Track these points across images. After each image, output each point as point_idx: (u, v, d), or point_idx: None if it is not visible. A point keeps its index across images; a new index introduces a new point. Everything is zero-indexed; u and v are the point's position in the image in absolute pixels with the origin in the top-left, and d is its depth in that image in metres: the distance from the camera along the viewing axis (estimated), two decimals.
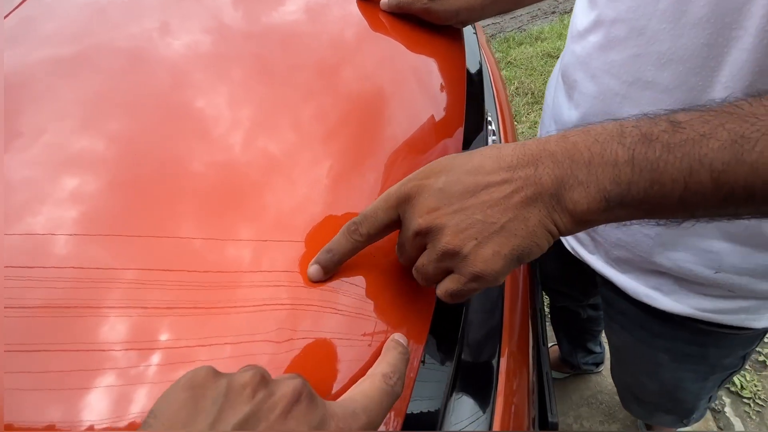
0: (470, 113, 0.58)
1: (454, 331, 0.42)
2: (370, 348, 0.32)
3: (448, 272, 0.27)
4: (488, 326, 0.46)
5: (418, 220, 0.26)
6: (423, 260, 0.28)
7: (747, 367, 1.09)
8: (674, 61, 0.34)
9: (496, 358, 0.45)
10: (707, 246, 0.40)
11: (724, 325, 0.45)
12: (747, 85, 0.31)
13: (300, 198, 0.42)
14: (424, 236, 0.27)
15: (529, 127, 1.83)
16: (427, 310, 0.37)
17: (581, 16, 0.43)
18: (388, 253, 0.37)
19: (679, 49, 0.33)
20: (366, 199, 0.42)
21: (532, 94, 2.01)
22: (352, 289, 0.34)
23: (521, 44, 2.48)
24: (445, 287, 0.27)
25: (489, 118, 0.61)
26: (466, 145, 0.55)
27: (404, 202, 0.27)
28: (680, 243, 0.41)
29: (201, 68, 0.55)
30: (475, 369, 0.43)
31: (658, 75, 0.35)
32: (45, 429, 0.29)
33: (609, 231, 0.47)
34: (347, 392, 0.25)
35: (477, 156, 0.27)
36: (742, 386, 1.06)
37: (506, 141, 0.67)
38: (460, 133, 0.55)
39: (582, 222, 0.25)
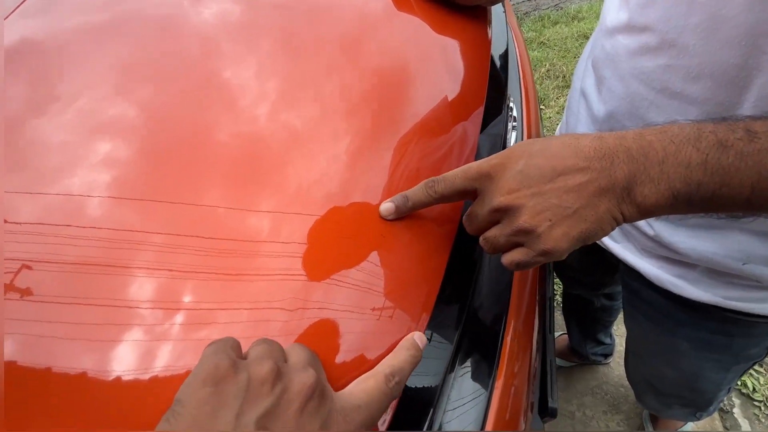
0: (491, 96, 0.57)
1: (460, 311, 0.43)
2: (378, 322, 0.34)
3: (517, 245, 0.30)
4: (495, 309, 0.47)
5: (499, 198, 0.29)
6: (495, 232, 0.30)
7: (762, 370, 1.07)
8: (704, 76, 0.34)
9: (499, 340, 0.46)
10: (734, 238, 0.40)
11: (751, 314, 0.45)
12: None
13: (319, 173, 0.43)
14: (502, 213, 0.29)
15: (557, 112, 1.78)
16: (434, 286, 0.38)
17: (612, 11, 0.42)
18: (398, 234, 0.38)
19: (709, 65, 0.33)
20: (382, 176, 0.43)
21: (564, 77, 1.94)
22: (364, 265, 0.36)
23: (556, 23, 2.37)
24: (512, 257, 0.30)
25: (511, 104, 0.60)
26: (484, 128, 0.55)
27: (485, 178, 0.30)
28: (707, 235, 0.41)
29: (229, 38, 0.55)
30: (477, 348, 0.44)
31: (687, 87, 0.35)
32: (72, 374, 0.31)
33: (639, 222, 0.46)
34: (352, 385, 0.27)
35: (556, 143, 0.29)
36: (754, 389, 1.04)
37: (528, 126, 0.66)
38: (479, 116, 0.54)
39: (647, 213, 0.27)
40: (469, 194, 0.32)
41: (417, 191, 0.33)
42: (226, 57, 0.53)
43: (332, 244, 0.38)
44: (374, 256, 0.37)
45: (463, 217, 0.35)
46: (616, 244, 0.52)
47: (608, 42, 0.43)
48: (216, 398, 0.20)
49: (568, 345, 1.08)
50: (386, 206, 0.35)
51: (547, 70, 2.00)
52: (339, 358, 0.30)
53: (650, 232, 0.45)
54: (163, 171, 0.42)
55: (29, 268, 0.36)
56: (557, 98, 1.85)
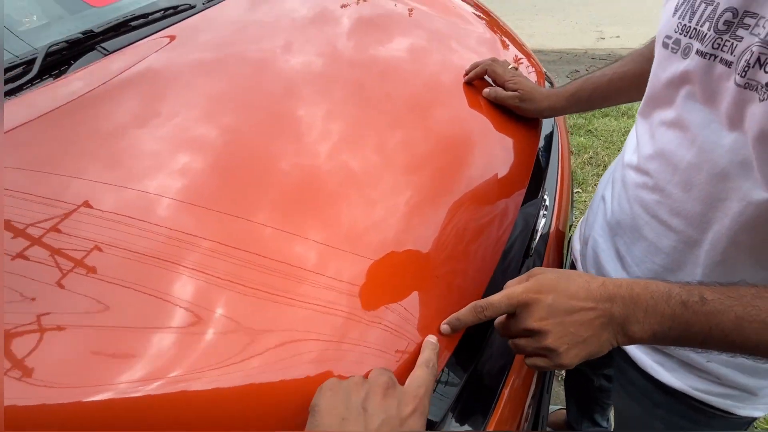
0: (532, 182, 0.68)
1: (471, 358, 0.50)
2: (413, 353, 0.41)
3: (539, 355, 0.42)
4: (500, 362, 0.54)
5: (532, 323, 0.40)
6: (525, 343, 0.42)
7: None
8: (680, 216, 0.47)
9: (498, 390, 0.52)
10: None
11: (713, 406, 0.52)
12: (723, 248, 0.43)
13: (374, 218, 0.49)
14: (534, 333, 0.41)
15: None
16: (457, 333, 0.46)
17: (629, 151, 0.55)
18: (432, 288, 0.46)
19: (683, 210, 0.46)
20: (432, 232, 0.50)
21: (604, 166, 2.04)
22: (400, 312, 0.43)
23: (606, 116, 2.51)
24: (535, 363, 0.42)
25: (545, 196, 0.70)
26: (522, 206, 0.64)
27: (523, 306, 0.41)
28: None
29: (308, 84, 0.66)
30: (479, 393, 0.51)
31: (670, 219, 0.48)
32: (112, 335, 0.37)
33: None
34: (409, 377, 0.38)
35: (573, 284, 0.41)
36: None
37: (558, 211, 0.76)
38: (520, 196, 0.64)
39: (635, 342, 0.40)
40: (509, 314, 0.43)
41: (467, 314, 0.44)
42: (303, 99, 0.62)
43: (374, 285, 0.43)
44: (410, 302, 0.45)
45: (497, 324, 0.45)
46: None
47: (624, 172, 0.55)
48: (334, 395, 0.34)
49: (565, 420, 1.12)
50: (443, 327, 0.46)
51: (590, 157, 2.11)
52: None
53: None
54: (228, 186, 0.48)
55: (99, 249, 0.42)
56: (595, 184, 1.95)
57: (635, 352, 0.57)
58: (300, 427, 0.35)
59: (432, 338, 0.43)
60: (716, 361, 0.49)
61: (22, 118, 0.57)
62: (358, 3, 0.97)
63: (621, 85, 0.63)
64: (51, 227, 0.45)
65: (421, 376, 0.38)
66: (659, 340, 0.39)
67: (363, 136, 0.59)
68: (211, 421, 0.35)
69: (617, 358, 0.64)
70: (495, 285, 0.55)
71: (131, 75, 0.65)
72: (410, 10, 0.94)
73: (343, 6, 0.93)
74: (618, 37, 3.44)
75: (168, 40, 0.74)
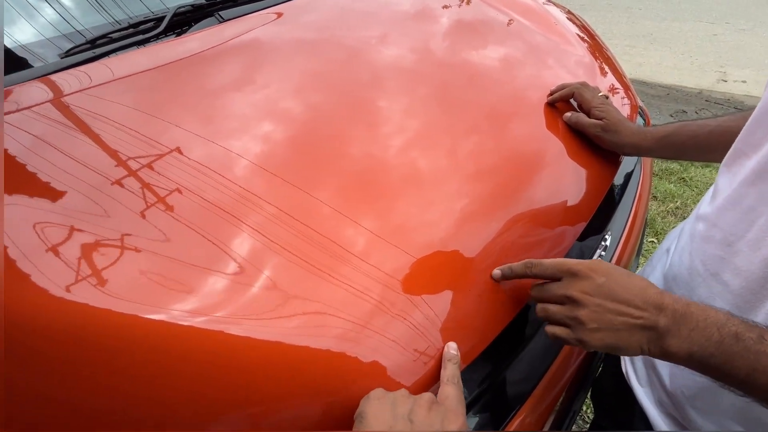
0: (597, 217, 0.65)
1: (496, 368, 0.50)
2: (425, 366, 0.41)
3: (564, 325, 0.41)
4: (524, 384, 0.53)
5: (574, 292, 0.41)
6: (555, 309, 0.42)
7: None
8: (743, 277, 0.42)
9: (515, 409, 0.51)
10: (728, 424, 0.46)
11: None
12: None
13: (427, 218, 0.49)
14: (571, 301, 0.41)
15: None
16: (488, 337, 0.47)
17: (705, 203, 0.51)
18: (471, 289, 0.47)
19: (747, 271, 0.42)
20: (478, 244, 0.49)
21: None
22: (427, 313, 0.43)
23: (707, 166, 2.26)
24: (555, 331, 0.42)
25: (607, 236, 0.66)
26: (581, 239, 0.62)
27: (572, 274, 0.42)
28: (712, 419, 0.48)
29: (395, 77, 0.68)
30: (492, 412, 0.50)
31: (731, 280, 0.44)
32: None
33: (663, 369, 0.52)
34: (441, 394, 0.39)
35: (631, 280, 0.41)
36: None
37: (621, 255, 0.72)
38: (580, 227, 0.62)
39: (666, 357, 0.38)
40: (554, 279, 0.44)
41: (519, 266, 0.47)
42: (386, 91, 0.65)
43: (408, 281, 0.44)
44: (439, 306, 0.45)
45: (535, 286, 0.46)
46: (640, 387, 0.58)
47: (694, 224, 0.51)
48: (381, 404, 0.36)
49: None
50: (496, 272, 0.49)
51: (676, 207, 1.93)
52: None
53: (669, 386, 0.51)
54: (299, 159, 0.51)
55: (179, 191, 0.47)
56: None
57: (656, 416, 0.53)
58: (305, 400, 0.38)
59: (453, 349, 0.43)
60: None
61: (144, 66, 0.66)
62: (460, 6, 0.97)
63: (722, 141, 0.56)
64: (146, 164, 0.51)
65: (453, 393, 0.39)
66: (694, 363, 0.37)
67: (436, 136, 0.60)
68: (236, 367, 0.38)
69: (637, 421, 0.60)
70: (529, 309, 0.54)
71: (238, 43, 0.72)
72: (510, 20, 0.93)
73: (445, 6, 0.94)
74: (744, 82, 3.05)
75: (275, 16, 0.80)
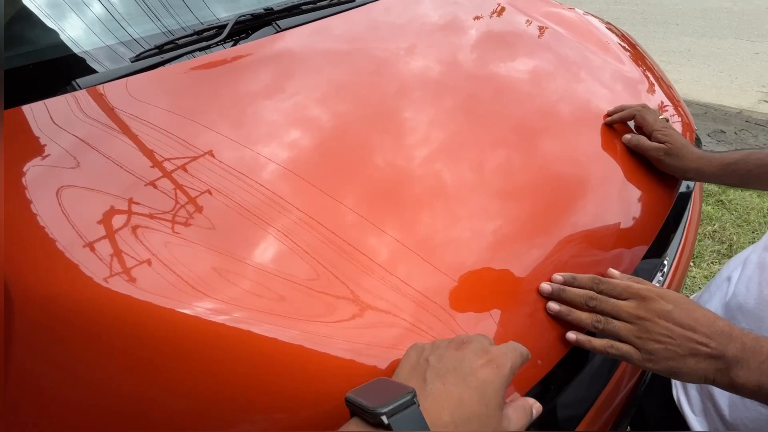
0: (656, 243, 0.63)
1: (552, 392, 0.49)
2: None
3: (629, 343, 0.41)
4: (575, 407, 0.53)
5: (643, 313, 0.41)
6: (623, 326, 0.42)
7: None
8: None
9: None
10: None
11: None
12: None
13: (455, 235, 0.48)
14: (637, 319, 0.41)
15: (705, 276, 1.65)
16: (548, 365, 0.46)
17: None
18: (515, 318, 0.46)
19: None
20: (517, 271, 0.47)
21: (729, 245, 1.79)
22: (441, 329, 0.41)
23: (747, 189, 2.19)
24: (623, 348, 0.41)
25: (665, 261, 0.65)
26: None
27: (641, 298, 0.42)
28: None
29: (422, 88, 0.67)
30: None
31: None
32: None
33: (721, 399, 0.51)
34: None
35: (700, 310, 0.41)
36: None
37: (671, 281, 0.70)
38: (640, 252, 0.59)
39: (733, 389, 0.38)
40: (617, 298, 0.43)
41: (584, 278, 0.46)
42: (413, 102, 0.64)
43: (428, 293, 0.42)
44: (491, 319, 0.44)
45: (597, 296, 0.44)
46: (693, 416, 0.56)
47: (763, 253, 0.51)
48: (413, 350, 0.36)
49: None
50: (557, 277, 0.48)
51: (714, 231, 1.87)
52: None
53: (728, 416, 0.50)
54: (326, 166, 0.52)
55: (209, 192, 0.47)
56: (711, 263, 1.72)
57: None
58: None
59: (535, 405, 0.38)
60: None
61: (206, 71, 0.68)
62: (491, 16, 0.96)
63: None
64: (179, 166, 0.52)
65: (507, 344, 0.35)
66: (761, 396, 0.37)
67: (461, 149, 0.59)
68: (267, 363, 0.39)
69: None
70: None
71: (284, 52, 0.74)
72: (544, 29, 0.91)
73: (476, 18, 0.93)
74: None
75: (321, 28, 0.81)
